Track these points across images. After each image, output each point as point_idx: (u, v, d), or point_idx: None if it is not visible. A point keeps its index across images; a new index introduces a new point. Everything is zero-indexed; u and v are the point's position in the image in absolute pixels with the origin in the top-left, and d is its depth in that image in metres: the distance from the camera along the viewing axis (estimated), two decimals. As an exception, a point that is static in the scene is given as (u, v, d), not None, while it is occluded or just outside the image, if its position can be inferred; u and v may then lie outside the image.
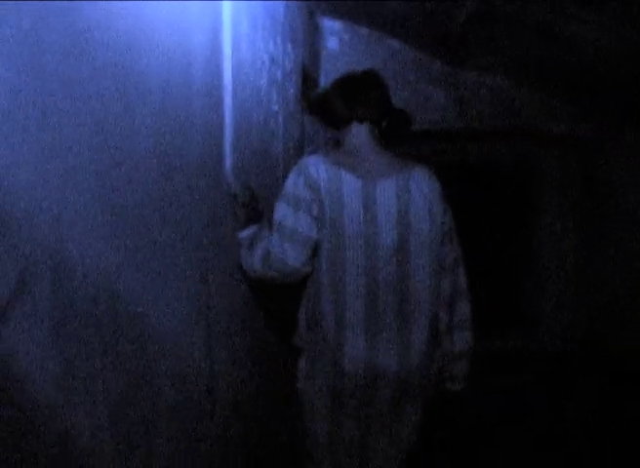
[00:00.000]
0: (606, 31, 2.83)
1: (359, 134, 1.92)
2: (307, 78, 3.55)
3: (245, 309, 2.05)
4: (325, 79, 4.09)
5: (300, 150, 3.09)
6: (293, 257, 1.74)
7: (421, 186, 1.83)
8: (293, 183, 1.80)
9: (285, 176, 2.64)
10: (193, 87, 1.56)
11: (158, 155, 1.32)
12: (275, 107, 2.48)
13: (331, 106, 1.96)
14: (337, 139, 2.05)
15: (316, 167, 1.78)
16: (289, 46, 2.81)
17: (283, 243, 1.75)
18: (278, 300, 2.50)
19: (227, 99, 1.85)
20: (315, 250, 1.80)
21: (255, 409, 2.17)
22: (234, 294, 1.92)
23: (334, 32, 4.12)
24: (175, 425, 1.41)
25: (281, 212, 1.79)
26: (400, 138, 2.03)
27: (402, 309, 1.81)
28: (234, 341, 1.92)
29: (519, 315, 5.44)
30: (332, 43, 4.12)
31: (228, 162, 1.85)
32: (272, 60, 2.45)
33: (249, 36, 2.10)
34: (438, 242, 1.84)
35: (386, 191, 1.80)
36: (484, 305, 4.91)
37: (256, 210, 1.93)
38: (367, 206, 1.78)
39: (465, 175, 5.76)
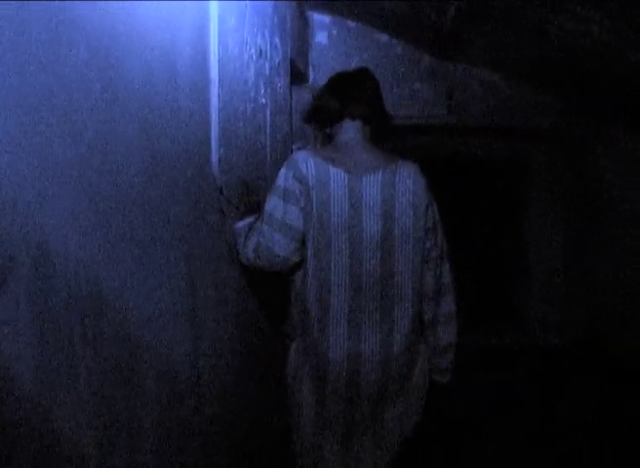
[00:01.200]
0: (598, 27, 2.84)
1: (350, 130, 1.98)
2: (296, 72, 3.54)
3: (231, 302, 2.04)
4: (313, 73, 4.08)
5: (287, 144, 3.08)
6: (281, 247, 1.83)
7: (406, 181, 1.89)
8: (283, 177, 1.87)
9: (273, 170, 2.64)
10: (179, 80, 1.55)
11: (143, 148, 1.31)
12: (263, 101, 2.47)
13: (324, 103, 2.02)
14: (327, 135, 2.10)
15: (305, 162, 1.85)
16: (277, 39, 2.79)
17: (273, 233, 1.83)
18: (269, 291, 2.49)
19: (214, 93, 1.84)
20: (304, 240, 1.87)
21: (242, 403, 2.17)
22: (220, 287, 1.91)
23: (323, 26, 4.11)
24: (159, 421, 1.40)
25: (271, 204, 1.86)
26: (388, 134, 2.10)
27: (385, 300, 1.87)
28: (220, 335, 1.91)
29: (509, 310, 5.46)
30: (321, 37, 4.10)
31: (215, 155, 1.84)
32: (260, 54, 2.43)
33: (236, 29, 2.08)
34: (421, 235, 1.90)
35: (371, 185, 1.86)
36: (474, 300, 4.94)
37: (251, 202, 2.01)
38: (352, 199, 1.84)
39: (454, 169, 5.77)
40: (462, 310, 2.06)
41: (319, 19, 4.09)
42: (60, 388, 0.98)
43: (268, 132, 2.57)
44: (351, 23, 4.12)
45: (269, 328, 2.62)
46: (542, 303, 5.19)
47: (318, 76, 4.10)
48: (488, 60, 4.07)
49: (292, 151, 3.38)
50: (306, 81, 4.03)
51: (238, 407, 2.12)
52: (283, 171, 1.88)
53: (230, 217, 2.00)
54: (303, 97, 4.06)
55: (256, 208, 2.01)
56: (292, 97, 3.51)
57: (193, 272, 1.65)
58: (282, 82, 2.93)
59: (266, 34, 2.57)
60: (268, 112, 2.58)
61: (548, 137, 4.74)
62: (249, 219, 1.98)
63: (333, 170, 1.85)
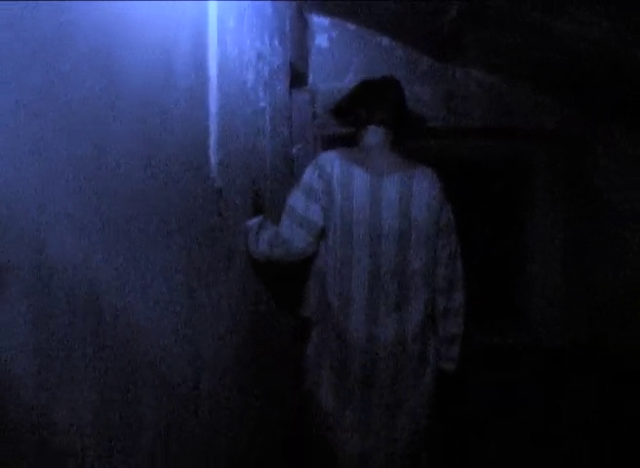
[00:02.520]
0: (597, 29, 2.84)
1: (374, 135, 2.15)
2: (295, 75, 3.54)
3: (232, 303, 2.04)
4: (313, 76, 4.08)
5: (287, 147, 3.08)
6: (299, 240, 2.01)
7: (423, 184, 2.07)
8: (309, 175, 2.06)
9: (272, 173, 2.64)
10: (178, 82, 1.55)
11: (141, 150, 1.31)
12: (262, 104, 2.47)
13: (351, 109, 2.19)
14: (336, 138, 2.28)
15: (331, 162, 2.04)
16: (276, 42, 2.79)
17: (292, 226, 2.02)
18: (270, 290, 2.49)
19: (213, 95, 1.84)
20: (321, 235, 2.06)
21: (243, 405, 2.17)
22: (220, 288, 1.91)
23: (323, 29, 4.11)
24: (158, 423, 1.40)
25: (294, 198, 2.06)
26: (411, 137, 2.35)
27: (400, 291, 2.05)
28: (221, 336, 1.91)
29: (511, 309, 5.45)
30: (321, 40, 4.10)
31: (213, 157, 1.84)
32: (259, 56, 2.44)
33: (235, 31, 2.08)
34: (435, 234, 2.08)
35: (391, 186, 2.04)
36: (476, 300, 4.93)
37: (261, 203, 2.21)
38: (373, 198, 2.02)
39: (454, 171, 5.76)
40: (468, 305, 2.24)
41: (319, 21, 4.09)
42: (59, 390, 0.98)
43: (267, 135, 2.57)
44: (351, 26, 4.12)
45: (269, 329, 2.61)
46: (543, 303, 5.18)
47: (318, 79, 4.10)
48: (487, 62, 4.08)
49: (291, 154, 3.38)
50: (306, 84, 4.03)
51: (238, 411, 2.11)
52: (309, 169, 2.07)
53: (229, 220, 2.00)
54: (303, 99, 4.06)
55: (263, 208, 2.21)
56: (291, 100, 3.51)
57: (191, 274, 1.64)
58: (281, 85, 2.93)
59: (266, 37, 2.57)
60: (267, 115, 2.58)
61: (548, 138, 4.73)
62: (258, 218, 2.12)
63: (356, 170, 2.02)
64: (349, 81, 4.14)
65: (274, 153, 2.71)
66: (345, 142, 4.67)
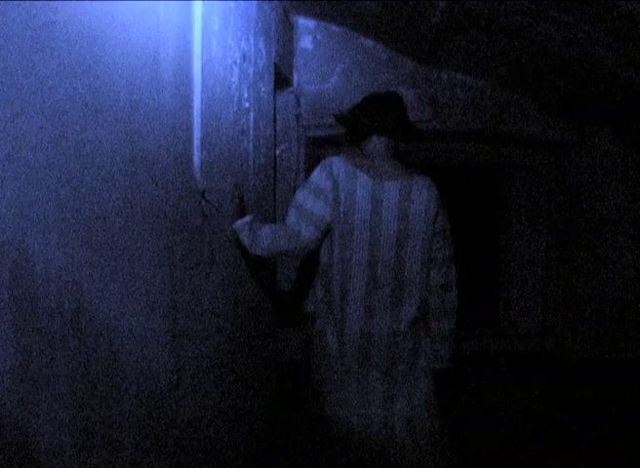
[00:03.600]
0: (581, 35, 2.87)
1: (377, 144, 2.30)
2: (280, 76, 3.55)
3: (213, 305, 2.04)
4: (298, 77, 4.09)
5: (270, 148, 3.09)
6: (305, 234, 2.13)
7: (421, 191, 2.22)
8: (317, 175, 2.19)
9: (255, 174, 2.64)
10: (162, 83, 1.55)
11: (124, 151, 1.32)
12: (246, 104, 2.48)
13: (357, 120, 2.34)
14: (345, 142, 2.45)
15: (337, 165, 2.18)
16: (261, 43, 2.80)
17: (300, 221, 2.14)
18: (255, 289, 2.50)
19: (196, 96, 1.84)
20: (326, 230, 2.19)
21: (223, 403, 2.17)
22: (201, 290, 1.91)
23: (308, 31, 4.12)
24: (139, 422, 1.40)
25: (302, 196, 2.18)
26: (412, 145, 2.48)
27: (396, 290, 2.21)
28: (201, 337, 1.91)
29: (492, 317, 5.48)
30: (305, 41, 4.11)
31: (197, 159, 1.84)
32: (244, 58, 2.44)
33: (220, 33, 2.09)
34: (430, 238, 2.24)
35: (391, 191, 2.19)
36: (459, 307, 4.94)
37: (243, 206, 2.32)
38: (374, 201, 2.17)
39: (437, 174, 5.78)
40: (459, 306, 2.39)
41: (304, 23, 4.10)
42: (41, 390, 0.98)
43: (251, 136, 2.58)
44: (336, 28, 4.13)
45: (250, 328, 2.62)
46: (523, 312, 5.22)
47: (302, 80, 4.11)
48: (472, 67, 4.11)
49: (275, 155, 3.39)
50: (290, 85, 4.04)
51: (218, 410, 2.12)
52: (318, 169, 2.20)
53: (212, 220, 2.01)
54: (287, 101, 4.07)
55: (244, 209, 2.31)
56: (275, 101, 3.52)
57: (174, 274, 1.65)
58: (266, 86, 2.94)
59: (251, 38, 2.58)
60: (252, 116, 2.58)
61: (532, 143, 4.77)
62: (247, 217, 2.21)
63: (360, 175, 2.17)
64: (334, 83, 4.16)
65: (258, 154, 2.72)
66: (329, 144, 4.69)
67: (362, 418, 2.29)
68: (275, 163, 3.69)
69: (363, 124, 2.31)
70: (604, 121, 4.34)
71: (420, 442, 2.30)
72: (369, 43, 4.18)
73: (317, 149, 4.84)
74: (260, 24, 2.76)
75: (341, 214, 2.16)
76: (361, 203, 2.16)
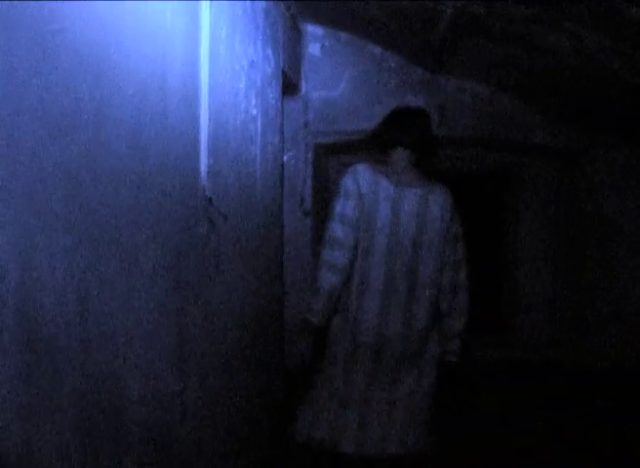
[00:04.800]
0: (589, 42, 2.86)
1: (401, 155, 2.49)
2: (287, 83, 3.55)
3: (219, 311, 2.03)
4: (306, 84, 4.09)
5: (278, 155, 3.08)
6: (342, 235, 2.33)
7: (438, 199, 2.40)
8: (345, 180, 2.40)
9: (263, 181, 2.64)
10: (169, 90, 1.55)
11: (131, 157, 1.31)
12: (254, 112, 2.48)
13: (383, 133, 2.56)
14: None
15: (363, 171, 2.37)
16: (269, 50, 2.80)
17: (336, 226, 2.35)
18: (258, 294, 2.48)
19: (204, 103, 1.84)
20: (358, 227, 2.36)
21: (229, 411, 2.16)
22: (208, 297, 1.90)
23: (316, 38, 4.12)
24: (144, 429, 1.39)
25: (336, 203, 2.38)
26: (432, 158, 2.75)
27: (410, 291, 2.37)
28: (207, 344, 1.90)
29: (499, 324, 5.44)
30: (313, 48, 4.12)
31: (203, 165, 1.84)
32: (251, 64, 2.44)
33: (227, 40, 2.09)
34: (444, 243, 2.40)
35: (411, 198, 2.37)
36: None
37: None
38: (395, 207, 2.35)
39: (444, 181, 5.75)
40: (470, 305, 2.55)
41: (312, 30, 4.10)
42: (44, 394, 0.97)
43: (259, 143, 2.58)
44: (344, 35, 4.13)
45: (259, 334, 2.61)
46: (530, 319, 5.20)
47: (310, 87, 4.11)
48: (480, 74, 4.10)
49: (282, 162, 3.38)
50: (298, 92, 4.04)
51: (226, 416, 2.11)
52: (346, 176, 2.40)
53: (219, 227, 2.00)
54: (295, 107, 4.07)
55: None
56: (283, 108, 3.52)
57: (180, 281, 1.64)
58: (273, 93, 2.94)
59: (259, 45, 2.58)
60: (259, 123, 2.58)
61: (539, 151, 4.75)
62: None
63: (383, 181, 2.36)
64: (342, 90, 4.16)
65: (265, 161, 2.72)
66: (336, 151, 4.69)
67: (366, 403, 2.47)
68: (283, 170, 3.69)
69: (391, 136, 2.51)
70: (612, 129, 4.32)
71: (416, 418, 2.50)
72: (377, 50, 4.18)
73: (325, 156, 4.84)
74: (267, 31, 2.76)
75: (364, 217, 2.33)
76: (383, 207, 2.34)
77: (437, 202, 2.40)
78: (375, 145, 2.67)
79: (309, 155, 4.14)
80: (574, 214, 4.83)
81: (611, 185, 4.56)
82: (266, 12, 2.73)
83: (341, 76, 4.16)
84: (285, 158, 3.93)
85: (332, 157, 4.98)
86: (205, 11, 1.85)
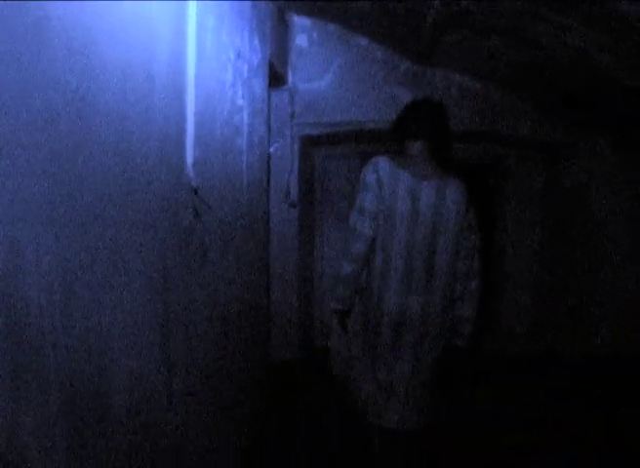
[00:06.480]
0: (577, 36, 2.87)
1: (418, 147, 2.56)
2: (274, 74, 3.54)
3: (205, 303, 2.04)
4: (293, 75, 4.09)
5: (264, 145, 3.08)
6: (361, 228, 2.44)
7: (453, 190, 2.50)
8: (365, 172, 2.48)
9: (249, 172, 2.64)
10: (156, 80, 1.54)
11: (117, 148, 1.31)
12: (240, 102, 2.47)
13: (400, 126, 2.64)
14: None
15: (383, 163, 2.45)
16: (256, 41, 2.79)
17: (356, 218, 2.44)
18: (246, 288, 2.48)
19: (190, 93, 1.83)
20: (377, 218, 2.46)
21: (216, 401, 2.17)
22: (194, 290, 1.91)
23: (303, 29, 4.11)
24: (131, 421, 1.40)
25: (357, 195, 2.47)
26: (448, 150, 2.74)
27: (428, 275, 2.49)
28: (193, 336, 1.91)
29: (490, 319, 5.48)
30: (301, 40, 4.11)
31: (190, 156, 1.83)
32: (238, 55, 2.43)
33: (214, 30, 2.08)
34: (458, 232, 2.51)
35: (428, 189, 2.46)
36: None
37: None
38: (413, 197, 2.44)
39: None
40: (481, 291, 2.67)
41: (299, 21, 4.09)
42: (28, 391, 0.98)
43: (245, 133, 2.57)
44: (332, 27, 4.13)
45: (245, 327, 2.61)
46: (512, 313, 5.24)
47: (297, 78, 4.10)
48: (467, 67, 4.11)
49: (269, 153, 3.38)
50: (285, 83, 4.04)
51: (211, 405, 2.11)
52: (367, 168, 2.48)
53: (204, 218, 2.00)
54: (282, 98, 4.07)
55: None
56: (270, 99, 3.51)
57: (166, 272, 1.64)
58: (260, 84, 2.93)
59: (246, 36, 2.57)
60: (245, 114, 2.58)
61: (527, 144, 4.78)
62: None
63: (402, 173, 2.45)
64: (329, 81, 4.15)
65: (252, 152, 2.71)
66: (322, 142, 4.68)
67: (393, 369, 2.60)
68: (269, 160, 3.68)
69: (408, 128, 2.58)
70: (600, 122, 4.35)
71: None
72: (364, 42, 4.18)
73: (311, 147, 4.84)
74: (254, 22, 2.75)
75: (384, 207, 2.43)
76: (402, 198, 2.43)
77: (453, 193, 2.50)
78: (393, 137, 2.75)
79: (295, 146, 4.14)
80: (560, 207, 4.87)
81: (598, 178, 4.61)
82: (253, 3, 2.72)
83: (328, 68, 4.15)
84: (271, 149, 3.93)
85: (318, 148, 4.98)
86: (192, 1, 1.84)
